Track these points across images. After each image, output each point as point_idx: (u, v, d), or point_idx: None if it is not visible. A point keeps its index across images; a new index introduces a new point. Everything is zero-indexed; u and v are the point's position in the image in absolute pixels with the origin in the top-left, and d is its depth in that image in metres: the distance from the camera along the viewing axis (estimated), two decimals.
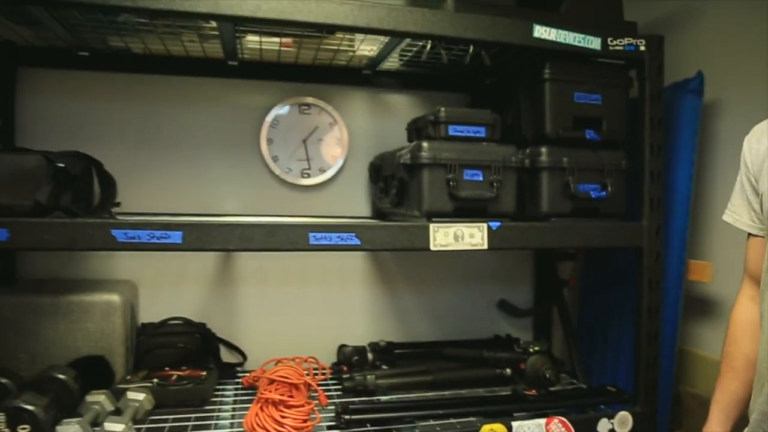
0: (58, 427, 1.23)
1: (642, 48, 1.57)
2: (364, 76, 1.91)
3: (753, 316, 1.15)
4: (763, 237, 1.13)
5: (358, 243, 1.33)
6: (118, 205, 1.57)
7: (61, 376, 1.39)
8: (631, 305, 1.65)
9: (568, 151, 1.55)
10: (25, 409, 1.20)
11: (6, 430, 1.19)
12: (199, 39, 1.58)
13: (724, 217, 1.26)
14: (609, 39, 1.53)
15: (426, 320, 2.05)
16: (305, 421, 1.40)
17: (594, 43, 1.52)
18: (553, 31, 1.48)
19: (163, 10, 1.22)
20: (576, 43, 1.50)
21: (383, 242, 1.36)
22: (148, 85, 1.79)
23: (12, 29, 1.51)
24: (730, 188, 1.27)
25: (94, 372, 1.52)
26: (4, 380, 1.36)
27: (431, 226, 1.38)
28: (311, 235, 1.29)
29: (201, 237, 1.24)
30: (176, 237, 1.22)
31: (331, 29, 1.40)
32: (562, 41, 1.49)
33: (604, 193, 1.55)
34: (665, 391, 1.71)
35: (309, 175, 1.89)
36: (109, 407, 1.40)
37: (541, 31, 1.47)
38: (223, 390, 1.67)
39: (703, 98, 1.70)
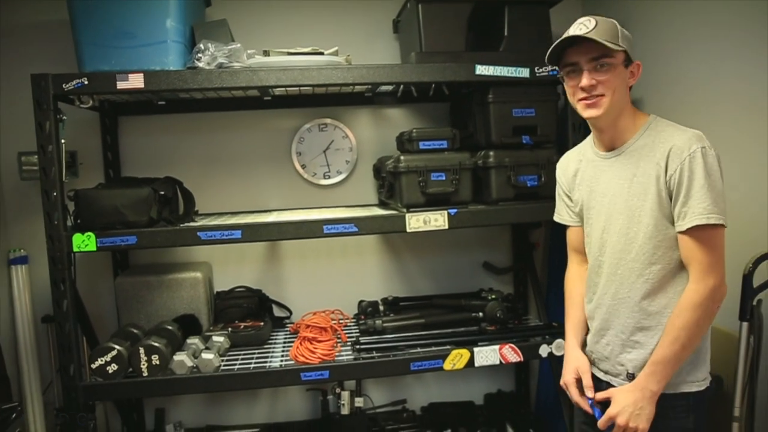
0: (174, 357, 1.95)
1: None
2: (367, 98, 2.51)
3: (579, 271, 1.72)
4: (580, 226, 1.68)
5: (356, 230, 1.97)
6: (197, 213, 2.27)
7: (170, 327, 2.11)
8: None
9: (509, 152, 2.12)
10: (155, 345, 1.92)
11: (144, 357, 1.91)
12: (242, 90, 2.22)
13: (555, 218, 1.78)
14: (536, 68, 2.07)
15: (425, 279, 2.69)
16: (330, 350, 2.08)
17: (524, 72, 2.06)
18: (491, 68, 2.03)
19: (218, 87, 1.88)
20: (509, 75, 2.06)
21: (373, 228, 2.00)
22: (208, 120, 2.47)
23: (116, 95, 2.20)
24: None
25: (189, 324, 2.24)
26: (136, 330, 2.10)
27: (407, 215, 2.01)
28: (325, 227, 1.95)
29: (253, 233, 1.92)
30: (237, 234, 1.90)
31: (330, 86, 2.00)
32: (498, 74, 2.04)
33: (537, 183, 2.12)
34: None
35: (329, 177, 2.54)
36: (202, 346, 2.11)
37: (481, 69, 2.03)
38: (276, 335, 2.37)
39: None
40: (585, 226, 1.65)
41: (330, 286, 2.60)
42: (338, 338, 2.22)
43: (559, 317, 2.52)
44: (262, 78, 1.89)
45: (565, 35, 1.42)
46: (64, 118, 1.87)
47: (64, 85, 1.81)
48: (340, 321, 2.43)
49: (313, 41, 2.15)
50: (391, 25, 2.52)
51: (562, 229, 1.78)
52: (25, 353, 2.36)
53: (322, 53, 2.01)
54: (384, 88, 2.38)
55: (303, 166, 2.52)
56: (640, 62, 1.47)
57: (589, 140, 1.64)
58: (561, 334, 2.19)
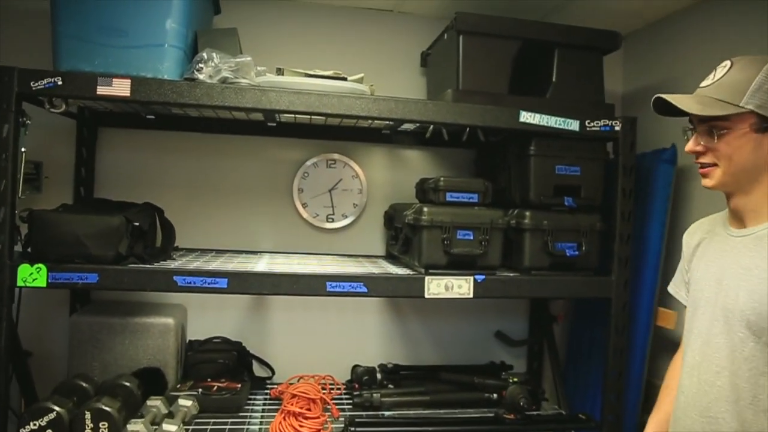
0: (128, 426, 1.59)
1: (617, 128, 1.84)
2: (384, 135, 2.22)
3: None
4: None
5: (366, 291, 1.65)
6: (176, 249, 1.93)
7: (128, 384, 1.75)
8: None
9: (548, 214, 1.83)
10: (105, 410, 1.56)
11: (90, 424, 1.55)
12: (245, 112, 1.92)
13: (669, 289, 1.52)
14: (587, 121, 1.81)
15: (430, 346, 2.35)
16: (319, 430, 1.73)
17: (573, 125, 1.80)
18: (537, 116, 1.76)
19: (218, 105, 1.57)
20: (557, 126, 1.78)
21: (386, 290, 1.68)
22: (201, 141, 2.15)
23: (98, 102, 1.88)
24: None
25: (152, 380, 1.88)
26: (85, 384, 1.73)
27: (426, 278, 1.69)
28: (328, 284, 1.62)
29: (241, 283, 1.58)
30: (223, 283, 1.57)
31: (350, 118, 1.71)
32: (545, 124, 1.77)
33: (577, 252, 1.83)
34: (631, 420, 1.98)
35: (333, 220, 2.23)
36: (164, 410, 1.75)
37: (526, 116, 1.76)
38: (254, 399, 2.01)
39: (677, 166, 1.96)
40: (688, 310, 1.36)
41: (321, 345, 2.25)
42: (329, 413, 1.87)
43: (576, 403, 2.22)
44: (272, 100, 1.59)
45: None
46: (28, 122, 1.54)
47: (32, 84, 1.49)
48: (331, 389, 2.07)
49: (328, 64, 1.87)
50: (419, 58, 2.26)
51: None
52: None
53: (345, 79, 1.72)
54: (406, 126, 2.10)
55: (304, 205, 2.21)
56: None
57: (726, 211, 1.33)
58: (588, 428, 1.88)
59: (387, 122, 1.99)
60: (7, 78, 1.49)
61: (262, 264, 1.82)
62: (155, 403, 1.74)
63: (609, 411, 1.87)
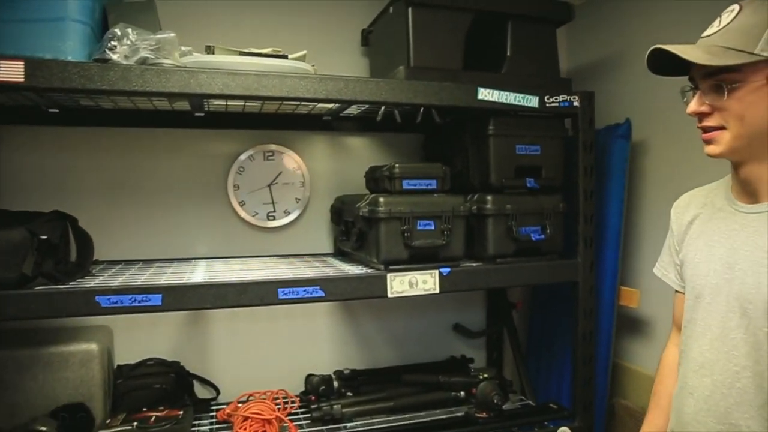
0: None
1: (576, 103, 1.74)
2: (325, 122, 2.03)
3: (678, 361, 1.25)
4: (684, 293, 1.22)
5: (323, 295, 1.46)
6: (96, 262, 1.65)
7: (44, 428, 1.47)
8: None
9: (510, 197, 1.71)
10: None
11: None
12: (168, 99, 1.67)
13: (655, 270, 1.35)
14: (546, 97, 1.70)
15: (387, 346, 2.20)
16: None
17: (533, 101, 1.68)
18: (496, 92, 1.63)
19: (138, 91, 1.32)
20: (516, 102, 1.66)
21: (345, 292, 1.50)
22: (117, 137, 1.87)
23: None
24: (656, 221, 1.37)
25: (75, 418, 1.60)
26: None
27: (388, 275, 1.53)
28: (280, 290, 1.42)
29: (178, 298, 1.35)
30: (156, 299, 1.33)
31: (293, 101, 1.51)
32: (504, 101, 1.65)
33: (542, 236, 1.73)
34: (601, 404, 1.92)
35: (275, 218, 2.01)
36: None
37: (484, 93, 1.62)
38: (199, 425, 1.77)
39: (631, 141, 1.90)
40: (687, 298, 1.19)
41: (269, 357, 2.04)
42: None
43: (539, 391, 2.14)
44: (202, 83, 1.36)
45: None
46: None
47: None
48: (285, 405, 1.87)
49: (264, 42, 1.65)
50: (359, 37, 2.08)
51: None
52: None
53: (286, 57, 1.52)
54: (350, 110, 1.91)
55: (241, 204, 1.98)
56: None
57: (726, 181, 1.17)
58: (562, 418, 1.80)
59: (331, 106, 1.80)
60: None
61: (199, 273, 1.59)
62: None
63: (581, 398, 1.79)
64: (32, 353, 1.61)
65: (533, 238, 1.72)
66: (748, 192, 1.07)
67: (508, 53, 1.77)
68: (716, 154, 1.03)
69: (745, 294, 1.02)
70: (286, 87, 1.43)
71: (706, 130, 1.03)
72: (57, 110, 1.75)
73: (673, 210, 1.29)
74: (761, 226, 1.02)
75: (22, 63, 1.24)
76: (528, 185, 1.74)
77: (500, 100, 1.64)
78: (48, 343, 1.64)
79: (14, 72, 1.24)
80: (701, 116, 1.03)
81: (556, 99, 1.71)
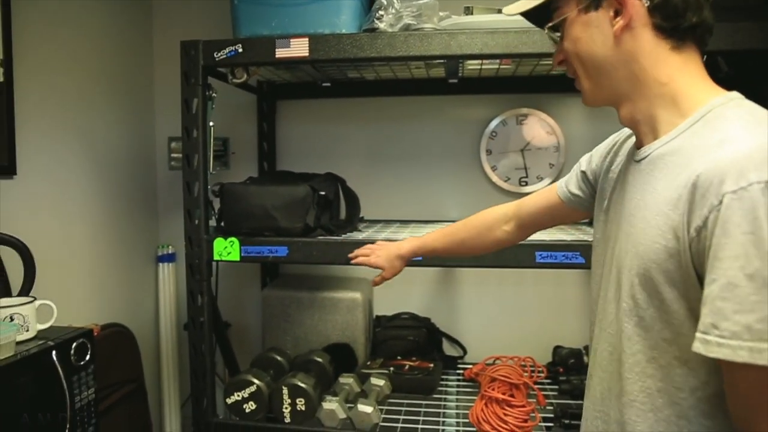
0: (323, 403, 1.52)
1: None
2: None
3: (495, 215, 1.23)
4: (562, 203, 1.10)
5: (583, 261, 1.38)
6: (362, 220, 1.82)
7: (320, 360, 1.70)
8: None
9: None
10: (301, 387, 1.51)
11: (288, 399, 1.51)
12: (426, 66, 1.74)
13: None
14: None
15: None
16: (525, 420, 1.52)
17: None
18: None
19: (403, 56, 1.40)
20: None
21: None
22: (378, 105, 2.02)
23: (275, 73, 1.83)
24: None
25: (342, 356, 1.82)
26: (279, 358, 1.71)
27: None
28: (537, 253, 1.39)
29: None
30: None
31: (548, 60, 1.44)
32: None
33: None
34: None
35: (527, 183, 1.97)
36: (357, 389, 1.67)
37: None
38: (447, 380, 1.85)
39: None
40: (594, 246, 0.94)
41: (517, 323, 2.02)
42: (533, 400, 1.64)
43: None
44: (462, 44, 1.37)
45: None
46: (214, 95, 1.52)
47: (215, 54, 1.45)
48: (533, 372, 1.84)
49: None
50: None
51: None
52: (165, 362, 2.12)
53: None
54: None
55: (493, 168, 1.98)
56: None
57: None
58: None
59: None
60: (193, 51, 1.46)
61: None
62: (348, 380, 1.67)
63: None
64: (310, 296, 1.86)
65: None
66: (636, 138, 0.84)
67: None
68: (587, 103, 0.87)
69: (618, 259, 0.80)
70: (548, 43, 1.36)
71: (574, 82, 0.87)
72: (329, 83, 1.96)
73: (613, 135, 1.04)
74: (639, 174, 0.79)
75: (307, 39, 1.41)
76: None
77: None
78: (322, 288, 1.88)
79: (301, 47, 1.41)
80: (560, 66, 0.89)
81: None
